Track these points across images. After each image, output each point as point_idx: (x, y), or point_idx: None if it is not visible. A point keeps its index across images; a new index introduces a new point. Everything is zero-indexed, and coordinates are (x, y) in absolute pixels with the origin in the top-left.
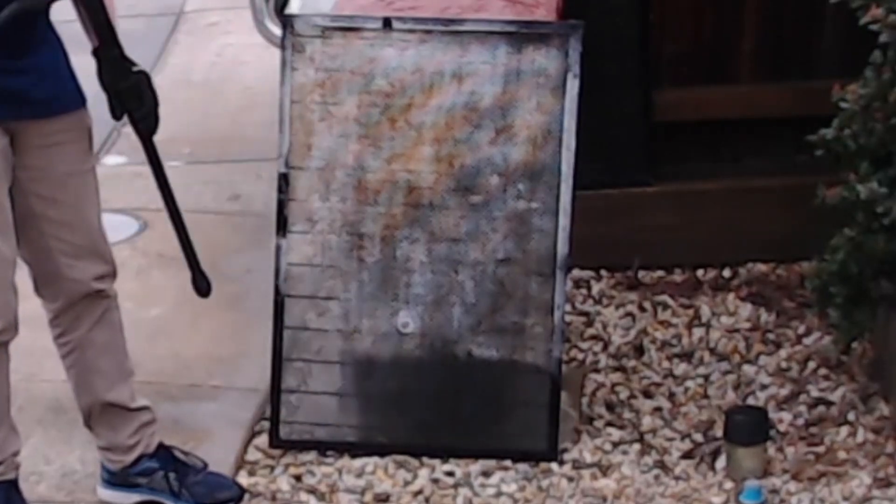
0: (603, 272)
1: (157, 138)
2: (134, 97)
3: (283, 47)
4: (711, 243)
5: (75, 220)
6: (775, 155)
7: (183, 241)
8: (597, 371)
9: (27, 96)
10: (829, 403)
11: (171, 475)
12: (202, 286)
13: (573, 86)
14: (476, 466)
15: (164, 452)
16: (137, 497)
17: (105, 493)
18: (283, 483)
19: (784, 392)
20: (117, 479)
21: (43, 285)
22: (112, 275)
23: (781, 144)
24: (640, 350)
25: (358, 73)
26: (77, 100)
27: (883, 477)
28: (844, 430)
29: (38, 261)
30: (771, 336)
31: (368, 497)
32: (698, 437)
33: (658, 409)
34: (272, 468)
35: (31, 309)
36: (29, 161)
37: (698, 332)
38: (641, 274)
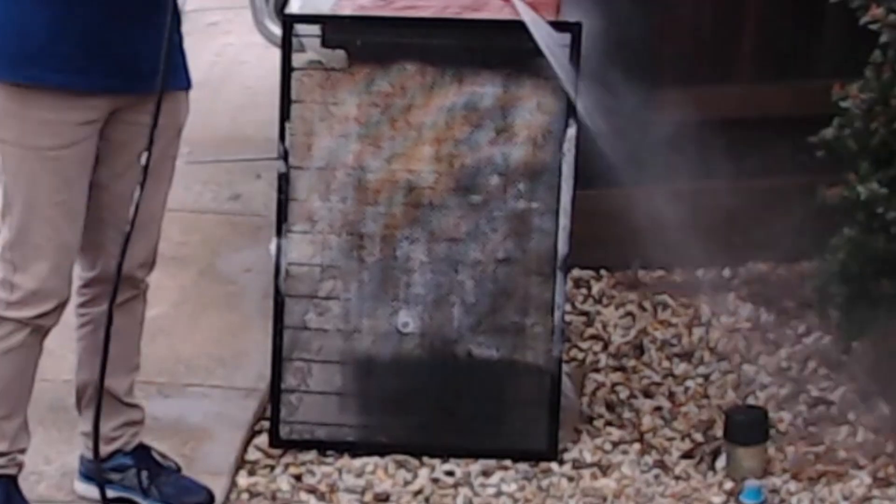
0: (603, 272)
1: None
2: None
3: (283, 47)
4: (711, 243)
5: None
6: (775, 155)
7: None
8: (597, 371)
9: (138, 68)
10: (829, 403)
11: (144, 473)
12: None
13: (573, 86)
14: (476, 466)
15: (141, 451)
16: (110, 493)
17: (80, 486)
18: (283, 483)
19: (784, 392)
20: (92, 473)
21: (85, 252)
22: (150, 265)
23: (781, 144)
24: (640, 350)
25: (358, 73)
26: (184, 80)
27: (883, 477)
28: (844, 429)
29: (88, 229)
30: (771, 336)
31: (368, 497)
32: (698, 436)
33: (658, 409)
34: (272, 468)
35: None
36: (113, 134)
37: (698, 332)
38: (641, 274)
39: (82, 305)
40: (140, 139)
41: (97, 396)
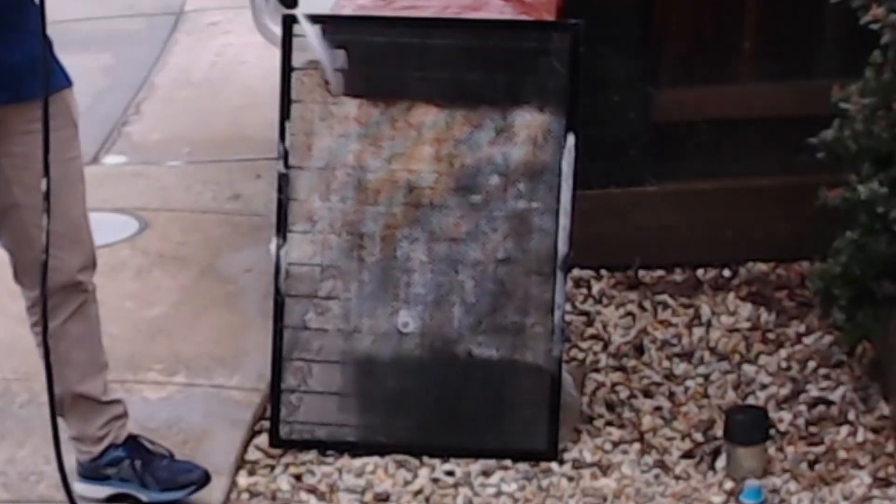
0: (603, 272)
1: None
2: None
3: (283, 47)
4: (711, 243)
5: (55, 209)
6: (775, 155)
7: None
8: (597, 370)
9: (18, 75)
10: (829, 403)
11: (137, 462)
12: None
13: (573, 85)
14: (476, 466)
15: (131, 442)
16: (110, 490)
17: (79, 486)
18: (283, 483)
19: (784, 392)
20: (89, 472)
21: (22, 273)
22: (92, 267)
23: (781, 144)
24: (640, 349)
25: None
26: (63, 79)
27: (883, 476)
28: (844, 429)
29: (19, 249)
30: (771, 336)
31: (368, 497)
32: (698, 436)
33: (658, 409)
34: (272, 468)
35: None
36: (12, 148)
37: (698, 332)
38: (641, 273)
39: (36, 324)
40: (40, 148)
41: (52, 420)
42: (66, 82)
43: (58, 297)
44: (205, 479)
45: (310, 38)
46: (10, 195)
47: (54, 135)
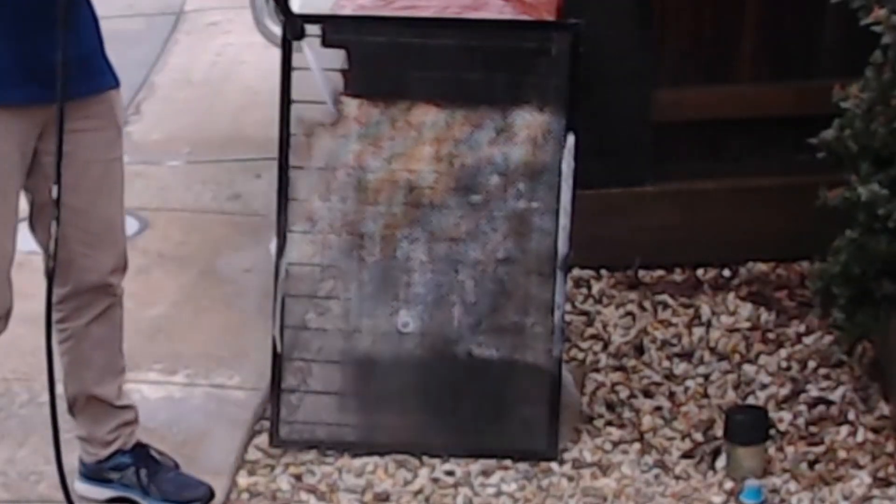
0: (603, 272)
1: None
2: None
3: (282, 47)
4: (711, 243)
5: (92, 209)
6: (775, 155)
7: None
8: (597, 370)
9: (66, 73)
10: (829, 403)
11: (143, 471)
12: None
13: (573, 85)
14: (476, 466)
15: (139, 450)
16: (110, 493)
17: (80, 486)
18: (283, 482)
19: (784, 391)
20: (92, 473)
21: (56, 270)
22: (122, 269)
23: (781, 144)
24: (640, 349)
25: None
26: (111, 80)
27: (883, 476)
28: (844, 429)
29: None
30: (771, 335)
31: (368, 496)
32: (698, 436)
33: (658, 409)
34: (272, 468)
35: (32, 308)
36: (55, 147)
37: (698, 332)
38: (641, 273)
39: (60, 321)
40: (83, 147)
41: (53, 422)
42: (114, 83)
43: (86, 297)
44: (209, 497)
45: (311, 65)
46: (48, 192)
47: (97, 134)
